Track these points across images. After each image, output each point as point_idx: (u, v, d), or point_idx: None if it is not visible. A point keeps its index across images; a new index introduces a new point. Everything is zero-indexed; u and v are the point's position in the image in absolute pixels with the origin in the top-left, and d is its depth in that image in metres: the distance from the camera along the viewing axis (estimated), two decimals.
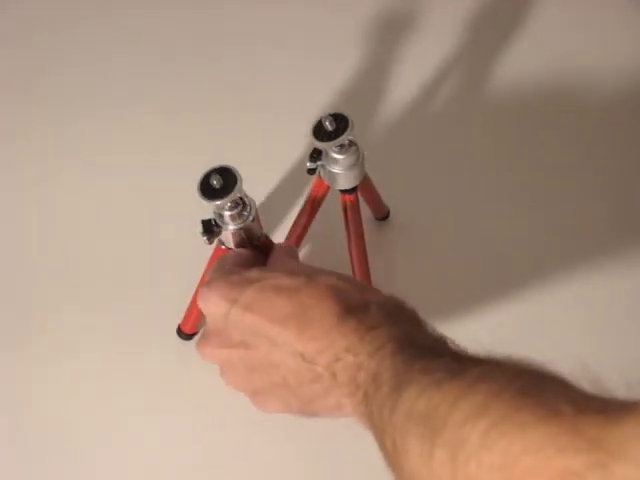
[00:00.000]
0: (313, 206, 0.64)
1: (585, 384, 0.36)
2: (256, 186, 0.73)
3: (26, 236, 0.73)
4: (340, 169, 0.57)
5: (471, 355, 0.42)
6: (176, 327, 0.66)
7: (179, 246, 0.69)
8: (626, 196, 0.73)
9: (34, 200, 0.75)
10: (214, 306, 0.48)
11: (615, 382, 0.35)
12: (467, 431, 0.35)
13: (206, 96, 0.80)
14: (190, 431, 0.63)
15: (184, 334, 0.66)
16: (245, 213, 0.54)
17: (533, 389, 0.36)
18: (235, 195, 0.52)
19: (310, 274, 0.48)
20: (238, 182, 0.52)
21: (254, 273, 0.49)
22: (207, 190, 0.51)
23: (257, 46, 0.83)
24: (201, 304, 0.50)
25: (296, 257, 0.56)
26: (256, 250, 0.56)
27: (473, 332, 0.65)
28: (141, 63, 0.83)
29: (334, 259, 0.69)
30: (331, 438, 0.58)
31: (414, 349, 0.42)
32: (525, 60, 0.81)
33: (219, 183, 0.51)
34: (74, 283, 0.70)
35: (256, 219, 0.55)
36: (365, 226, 0.63)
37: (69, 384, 0.65)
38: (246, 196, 0.54)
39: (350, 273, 0.65)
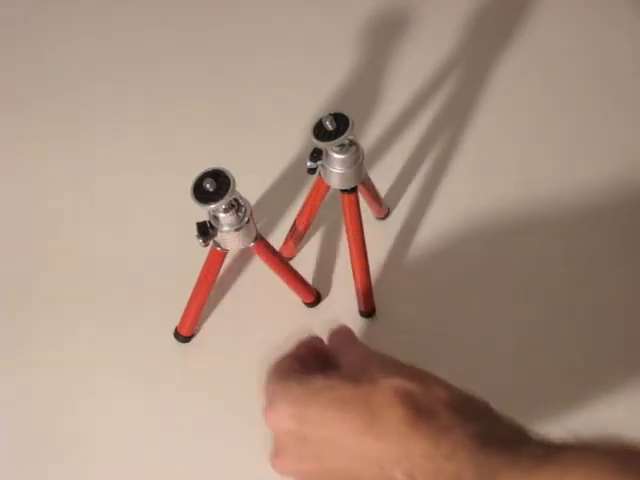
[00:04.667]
0: (313, 206, 0.64)
1: None
2: (254, 185, 0.73)
3: (25, 238, 0.73)
4: (340, 169, 0.57)
5: (555, 441, 0.40)
6: (173, 330, 0.66)
7: (177, 248, 0.69)
8: None
9: (34, 201, 0.75)
10: (282, 425, 0.47)
11: None
12: None
13: (206, 96, 0.80)
14: (188, 433, 0.63)
15: (181, 336, 0.66)
16: (240, 214, 0.53)
17: (635, 465, 0.34)
18: (229, 197, 0.51)
19: (372, 376, 0.46)
20: (231, 184, 0.51)
21: (318, 381, 0.47)
22: (201, 194, 0.51)
23: (257, 47, 0.83)
24: (268, 424, 0.48)
25: (355, 340, 0.53)
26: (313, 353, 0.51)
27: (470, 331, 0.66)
28: (141, 67, 0.83)
29: (334, 259, 0.70)
30: None
31: (495, 443, 0.41)
32: (524, 60, 0.81)
33: (212, 186, 0.50)
34: (73, 285, 0.69)
35: (251, 220, 0.55)
36: (365, 226, 0.63)
37: (66, 385, 0.65)
38: (241, 197, 0.54)
39: (350, 272, 0.65)
